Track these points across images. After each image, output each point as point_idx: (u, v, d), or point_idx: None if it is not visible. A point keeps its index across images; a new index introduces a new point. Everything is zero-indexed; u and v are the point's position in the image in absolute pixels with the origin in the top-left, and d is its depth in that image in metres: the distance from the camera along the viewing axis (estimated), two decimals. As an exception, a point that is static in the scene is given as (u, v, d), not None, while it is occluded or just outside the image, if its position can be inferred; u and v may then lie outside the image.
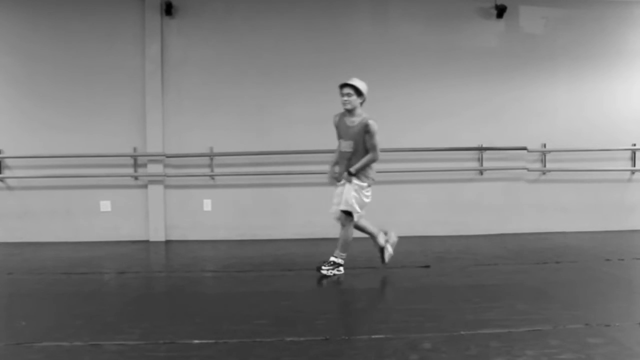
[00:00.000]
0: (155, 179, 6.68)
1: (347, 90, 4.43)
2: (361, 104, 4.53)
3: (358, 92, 4.45)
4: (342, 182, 4.60)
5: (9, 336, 3.14)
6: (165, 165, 6.70)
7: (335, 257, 4.69)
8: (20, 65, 6.64)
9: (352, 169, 4.47)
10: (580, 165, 6.95)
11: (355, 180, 4.50)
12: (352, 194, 4.50)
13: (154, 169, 6.67)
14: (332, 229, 6.69)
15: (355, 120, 4.47)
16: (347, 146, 4.51)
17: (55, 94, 6.64)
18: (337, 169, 4.70)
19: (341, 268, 4.69)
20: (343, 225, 4.62)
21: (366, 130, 4.40)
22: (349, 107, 4.45)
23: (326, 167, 6.73)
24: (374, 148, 4.44)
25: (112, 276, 4.89)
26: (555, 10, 7.02)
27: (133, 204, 6.72)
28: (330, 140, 6.63)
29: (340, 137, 4.62)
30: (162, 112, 6.65)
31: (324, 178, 6.85)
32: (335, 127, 4.67)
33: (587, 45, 6.99)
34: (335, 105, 6.74)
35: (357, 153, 4.47)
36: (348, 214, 4.56)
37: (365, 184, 4.54)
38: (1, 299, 4.14)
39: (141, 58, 6.64)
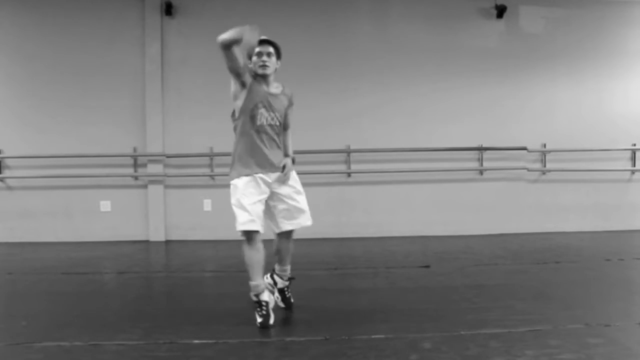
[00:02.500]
0: (155, 179, 6.68)
1: (270, 49, 3.28)
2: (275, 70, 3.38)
3: (278, 54, 3.34)
4: (274, 179, 3.35)
5: (9, 336, 3.13)
6: (165, 165, 6.70)
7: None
8: (20, 65, 6.64)
9: (292, 154, 3.52)
10: (580, 165, 6.95)
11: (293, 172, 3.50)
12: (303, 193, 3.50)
13: (154, 169, 6.67)
14: (332, 229, 6.74)
15: (278, 88, 3.38)
16: (275, 119, 3.33)
17: (55, 94, 6.64)
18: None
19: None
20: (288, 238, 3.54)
21: (292, 103, 3.47)
22: (268, 71, 3.27)
23: (327, 168, 6.79)
24: (291, 124, 3.55)
25: (112, 276, 4.89)
26: (555, 10, 7.02)
27: (133, 204, 6.72)
28: (330, 140, 6.71)
29: (255, 106, 3.26)
30: (162, 112, 6.66)
31: (324, 178, 6.90)
32: (245, 76, 3.24)
33: (587, 45, 6.99)
34: (336, 104, 6.81)
35: (282, 131, 3.46)
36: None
37: None
38: (1, 299, 4.14)
39: (141, 58, 6.64)
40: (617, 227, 6.98)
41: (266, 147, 3.30)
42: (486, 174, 6.93)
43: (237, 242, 3.48)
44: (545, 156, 6.98)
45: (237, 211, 3.24)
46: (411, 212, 6.86)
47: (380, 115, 6.83)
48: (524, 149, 6.85)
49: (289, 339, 3.04)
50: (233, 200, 3.27)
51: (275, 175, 3.34)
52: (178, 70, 6.70)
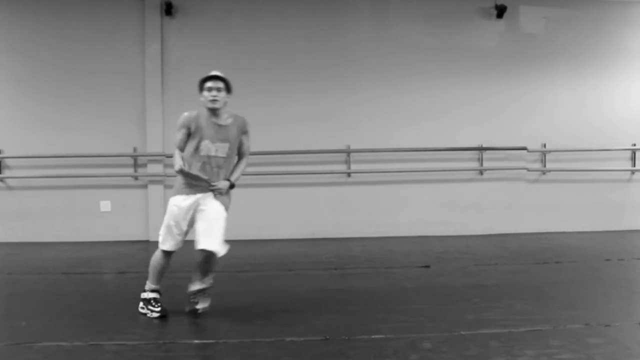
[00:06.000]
0: (155, 179, 6.68)
1: (218, 84, 3.46)
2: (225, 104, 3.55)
3: (228, 88, 3.53)
4: (200, 196, 3.62)
5: (9, 336, 3.14)
6: (165, 165, 6.69)
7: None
8: (21, 65, 6.64)
9: (234, 179, 3.67)
10: (580, 165, 6.94)
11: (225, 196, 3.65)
12: (224, 218, 3.57)
13: (154, 169, 6.67)
14: (332, 229, 6.74)
15: (229, 119, 3.56)
16: (220, 150, 3.52)
17: (55, 93, 6.64)
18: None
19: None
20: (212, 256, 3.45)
21: (244, 131, 3.64)
22: (218, 105, 3.46)
23: (327, 168, 6.79)
24: (248, 152, 3.72)
25: (112, 276, 4.89)
26: (555, 10, 7.02)
27: (133, 204, 6.71)
28: (330, 140, 6.71)
29: (201, 138, 3.51)
30: (162, 112, 6.65)
31: (324, 178, 6.91)
32: (189, 127, 3.56)
33: (587, 45, 6.99)
34: (336, 104, 6.81)
35: (230, 159, 3.63)
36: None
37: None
38: (1, 299, 4.14)
39: (141, 58, 6.64)
40: (617, 227, 6.98)
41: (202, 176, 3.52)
42: (486, 174, 6.93)
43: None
44: (545, 156, 6.98)
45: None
46: (411, 212, 6.85)
47: (381, 115, 6.83)
48: (524, 149, 6.85)
49: (288, 339, 3.04)
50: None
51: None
52: (178, 70, 6.68)
